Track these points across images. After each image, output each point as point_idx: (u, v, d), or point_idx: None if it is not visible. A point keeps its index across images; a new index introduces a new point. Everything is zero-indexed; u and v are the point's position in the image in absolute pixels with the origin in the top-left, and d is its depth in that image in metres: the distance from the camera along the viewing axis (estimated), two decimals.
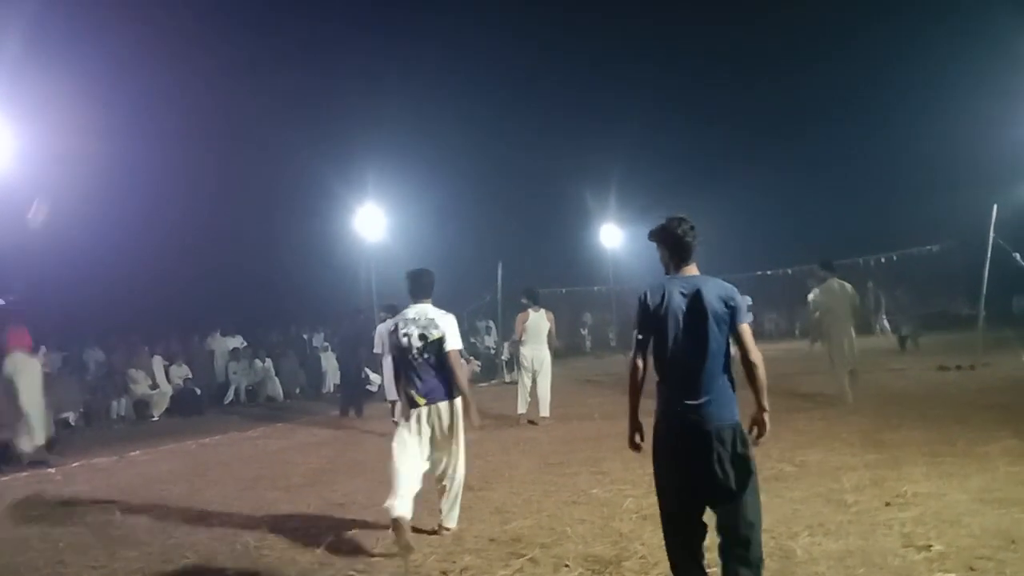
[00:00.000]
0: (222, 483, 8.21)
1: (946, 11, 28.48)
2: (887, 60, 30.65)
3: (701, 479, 3.69)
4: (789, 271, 25.23)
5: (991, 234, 13.62)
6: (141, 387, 15.06)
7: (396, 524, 5.15)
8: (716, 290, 3.79)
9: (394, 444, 5.61)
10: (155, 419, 14.77)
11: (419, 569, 4.87)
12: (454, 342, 5.63)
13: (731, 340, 3.83)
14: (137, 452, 10.88)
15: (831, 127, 32.95)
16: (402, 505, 5.28)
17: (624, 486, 6.72)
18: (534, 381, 10.97)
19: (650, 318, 3.82)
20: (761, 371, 3.83)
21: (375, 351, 11.56)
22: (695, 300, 3.76)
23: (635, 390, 3.95)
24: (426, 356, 5.56)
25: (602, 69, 36.18)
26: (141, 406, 14.92)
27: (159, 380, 15.38)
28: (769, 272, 25.49)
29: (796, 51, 33.70)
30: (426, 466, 5.65)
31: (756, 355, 3.80)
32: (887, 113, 30.71)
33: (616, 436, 9.38)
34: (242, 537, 5.90)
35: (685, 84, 36.41)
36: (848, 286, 11.08)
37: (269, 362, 17.53)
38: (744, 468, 3.70)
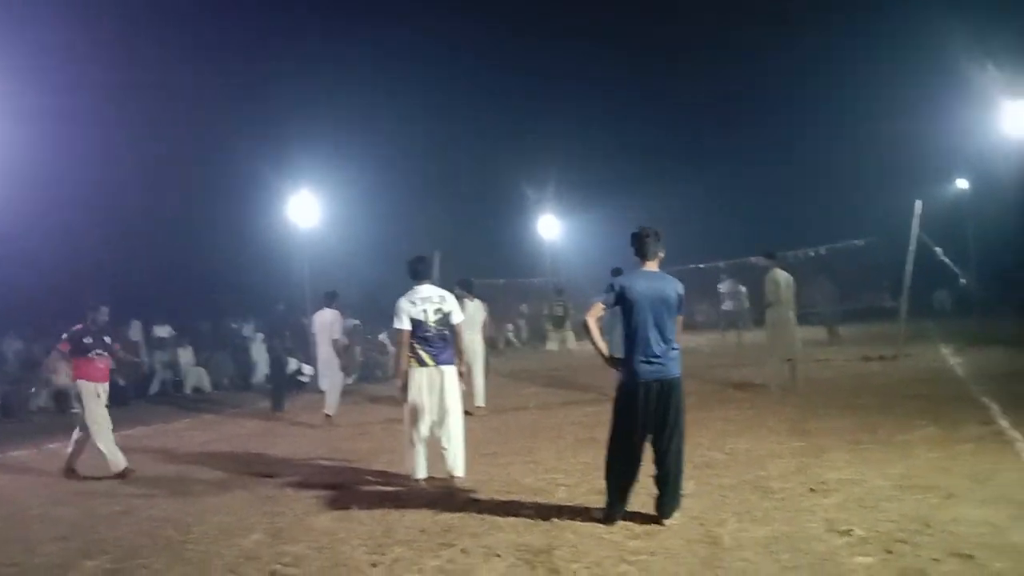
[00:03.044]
0: (146, 476, 7.97)
1: (876, 17, 29.34)
2: (820, 62, 31.45)
3: (655, 414, 5.14)
4: (722, 264, 25.68)
5: (914, 229, 14.05)
6: (61, 378, 14.49)
7: (417, 483, 6.58)
8: (673, 285, 5.33)
9: (408, 411, 6.65)
10: (76, 411, 14.24)
11: (348, 561, 4.79)
12: (459, 316, 6.86)
13: None
14: (57, 445, 10.46)
15: (764, 125, 33.74)
16: (422, 467, 6.66)
17: (557, 475, 6.74)
18: (468, 371, 10.89)
19: (621, 299, 5.24)
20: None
21: (312, 336, 11.51)
22: (656, 289, 5.25)
23: (590, 331, 5.37)
24: (438, 328, 6.66)
25: (542, 62, 36.31)
26: (62, 397, 14.36)
27: None
28: (702, 265, 25.91)
29: (732, 51, 34.38)
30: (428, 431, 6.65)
31: (678, 336, 5.35)
32: (819, 112, 31.51)
33: (550, 427, 9.47)
34: (166, 530, 5.74)
35: (621, 80, 36.88)
36: (789, 275, 11.26)
37: (191, 351, 17.06)
38: (681, 408, 5.26)
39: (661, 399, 5.16)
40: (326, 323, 11.13)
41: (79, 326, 8.17)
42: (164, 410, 14.05)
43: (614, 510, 5.23)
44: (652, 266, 5.38)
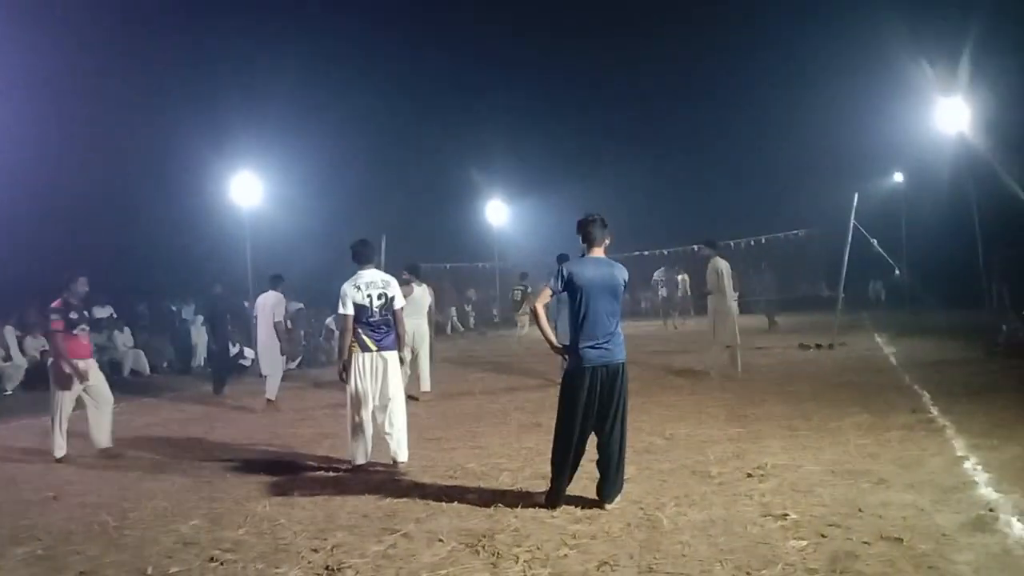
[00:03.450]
0: (80, 460, 7.77)
1: (819, 15, 29.91)
2: (765, 55, 31.99)
3: (601, 399, 5.24)
4: (665, 252, 26.03)
5: (852, 221, 14.42)
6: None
7: (360, 469, 6.61)
8: (620, 271, 5.42)
9: (350, 396, 6.68)
10: (8, 393, 13.82)
11: (288, 547, 4.75)
12: (401, 302, 6.89)
13: None
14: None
15: (708, 116, 34.27)
16: (365, 452, 6.70)
17: (500, 460, 6.78)
18: (414, 356, 10.87)
19: (568, 285, 5.31)
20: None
21: (254, 319, 11.34)
22: (603, 276, 5.33)
23: (539, 317, 5.51)
24: (382, 313, 6.68)
25: (489, 47, 36.20)
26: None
27: (12, 352, 14.40)
28: (645, 252, 26.22)
29: (678, 41, 34.67)
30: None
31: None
32: (762, 104, 32.02)
33: (495, 413, 9.51)
34: (100, 516, 5.61)
35: (568, 67, 36.95)
36: (728, 264, 11.47)
37: (128, 333, 16.65)
38: (626, 392, 5.36)
39: (606, 384, 5.23)
40: (268, 306, 10.92)
41: (58, 302, 7.81)
42: None
43: (558, 495, 5.27)
44: (598, 252, 5.45)
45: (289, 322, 12.10)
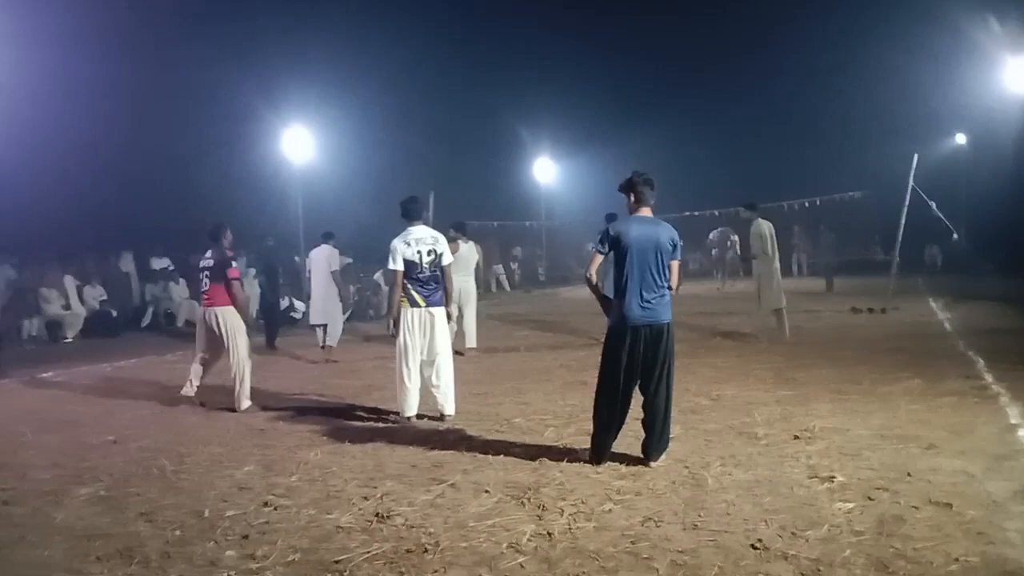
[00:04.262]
0: (138, 406, 8.05)
1: None
2: (822, 13, 30.93)
3: (644, 358, 5.22)
4: (716, 212, 25.65)
5: (910, 183, 14.04)
6: (53, 307, 14.53)
7: (408, 420, 6.76)
8: (668, 231, 5.34)
9: (399, 350, 6.78)
10: (68, 340, 14.32)
11: (339, 494, 4.88)
12: (449, 258, 6.95)
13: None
14: (50, 373, 10.57)
15: (766, 75, 33.27)
16: (413, 405, 6.80)
17: (545, 416, 6.84)
18: (460, 313, 10.95)
19: (615, 244, 5.28)
20: (676, 289, 5.45)
21: (306, 274, 11.68)
22: (649, 235, 5.26)
23: (595, 287, 5.47)
24: (431, 269, 6.75)
25: (540, 3, 35.63)
26: (54, 327, 14.42)
27: (72, 301, 14.86)
28: (696, 213, 25.87)
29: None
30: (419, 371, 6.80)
31: (675, 281, 5.39)
32: (820, 64, 31.04)
33: (540, 370, 9.57)
34: (158, 460, 5.81)
35: (620, 25, 36.26)
36: (771, 227, 11.24)
37: (184, 285, 17.03)
38: (671, 352, 5.34)
39: (650, 344, 5.21)
40: (323, 258, 11.30)
41: (230, 252, 7.87)
42: (156, 342, 14.09)
43: (600, 451, 5.31)
44: (646, 212, 5.39)
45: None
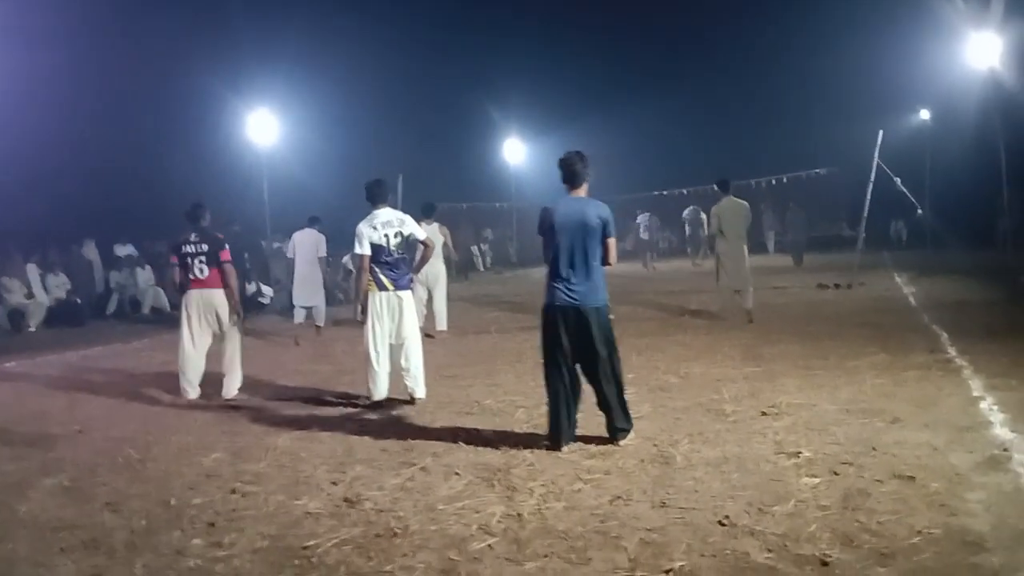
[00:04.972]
0: (104, 395, 7.94)
1: None
2: None
3: (576, 341, 5.16)
4: (685, 191, 25.77)
5: (875, 159, 14.16)
6: (16, 296, 14.27)
7: (378, 404, 6.69)
8: (595, 209, 5.23)
9: (367, 334, 6.72)
10: (32, 330, 14.08)
11: (308, 479, 4.85)
12: (421, 234, 7.01)
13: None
14: (13, 363, 10.38)
15: (729, 53, 33.47)
16: (383, 389, 6.77)
17: (516, 397, 6.84)
18: (429, 296, 10.92)
19: (543, 225, 5.26)
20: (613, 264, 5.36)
21: (288, 256, 11.93)
22: (574, 215, 5.20)
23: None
24: (399, 252, 6.74)
25: None
26: (16, 316, 14.15)
27: (35, 290, 14.60)
28: (665, 192, 25.97)
29: None
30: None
31: (612, 259, 5.31)
32: (785, 40, 31.20)
33: (510, 351, 9.57)
34: (124, 450, 5.74)
35: (588, 5, 36.07)
36: (744, 204, 11.00)
37: (149, 271, 16.80)
38: (607, 337, 5.21)
39: (579, 327, 5.14)
40: (309, 243, 11.39)
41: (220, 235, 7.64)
42: (122, 330, 13.91)
43: (555, 435, 5.23)
44: (578, 192, 5.32)
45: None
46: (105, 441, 6.08)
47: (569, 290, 5.14)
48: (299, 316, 11.50)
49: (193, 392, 7.49)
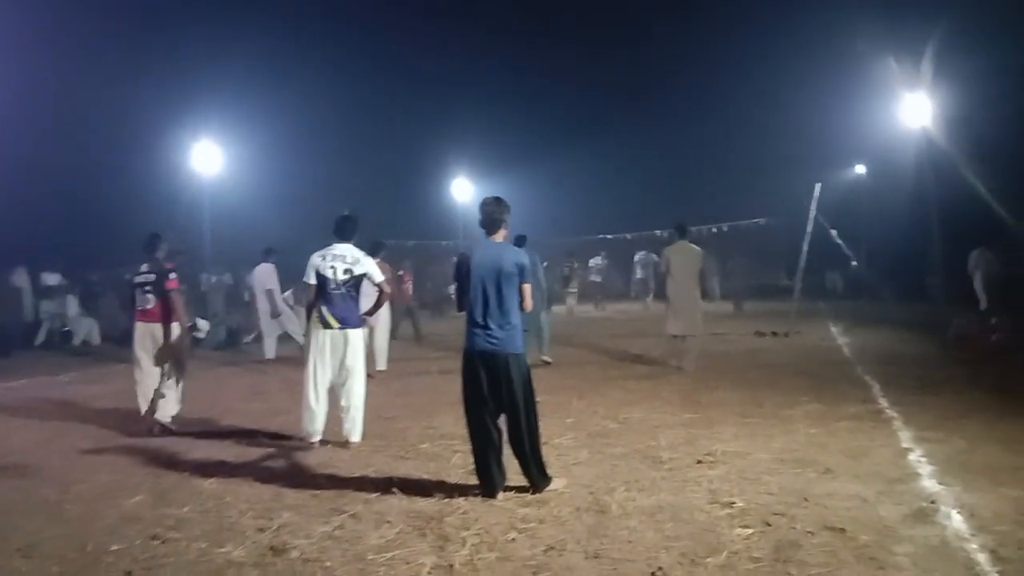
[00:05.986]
0: (26, 430, 7.63)
1: (786, 8, 30.10)
2: (732, 44, 32.12)
3: (491, 388, 5.11)
4: (628, 236, 26.12)
5: (813, 211, 14.54)
6: None
7: (311, 447, 6.55)
8: (512, 255, 5.24)
9: (307, 372, 6.59)
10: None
11: (233, 526, 4.69)
12: (378, 276, 6.88)
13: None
14: None
15: (677, 106, 34.25)
16: (318, 430, 6.63)
17: (453, 441, 6.74)
18: (370, 333, 10.78)
19: (463, 272, 5.22)
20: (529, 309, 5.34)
21: (250, 290, 12.86)
22: (489, 261, 5.19)
23: None
24: (346, 288, 6.60)
25: (458, 23, 35.82)
26: None
27: None
28: (610, 236, 26.28)
29: (646, 30, 34.73)
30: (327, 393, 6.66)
31: (528, 304, 5.28)
32: (731, 92, 32.16)
33: (450, 392, 9.40)
34: (43, 489, 5.50)
35: (538, 50, 36.81)
36: (695, 249, 10.83)
37: (74, 301, 16.33)
38: (525, 383, 5.16)
39: (494, 374, 5.11)
40: (264, 276, 11.67)
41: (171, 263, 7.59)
42: (51, 361, 13.44)
43: (491, 482, 5.13)
44: (497, 238, 5.34)
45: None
46: (22, 479, 5.83)
47: (487, 336, 5.11)
48: (269, 347, 12.08)
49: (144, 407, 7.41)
